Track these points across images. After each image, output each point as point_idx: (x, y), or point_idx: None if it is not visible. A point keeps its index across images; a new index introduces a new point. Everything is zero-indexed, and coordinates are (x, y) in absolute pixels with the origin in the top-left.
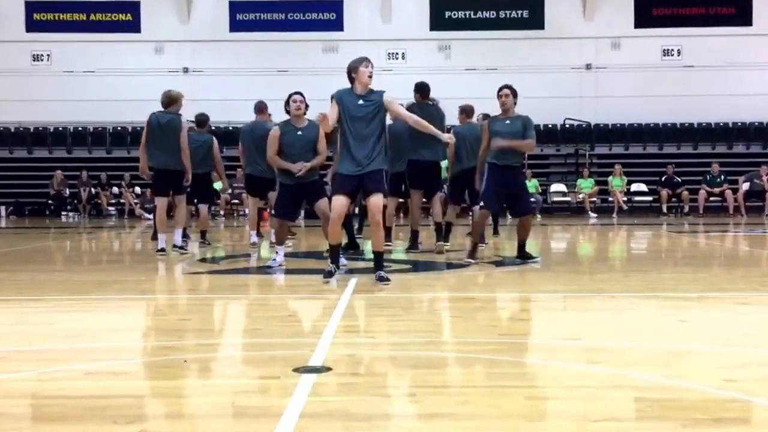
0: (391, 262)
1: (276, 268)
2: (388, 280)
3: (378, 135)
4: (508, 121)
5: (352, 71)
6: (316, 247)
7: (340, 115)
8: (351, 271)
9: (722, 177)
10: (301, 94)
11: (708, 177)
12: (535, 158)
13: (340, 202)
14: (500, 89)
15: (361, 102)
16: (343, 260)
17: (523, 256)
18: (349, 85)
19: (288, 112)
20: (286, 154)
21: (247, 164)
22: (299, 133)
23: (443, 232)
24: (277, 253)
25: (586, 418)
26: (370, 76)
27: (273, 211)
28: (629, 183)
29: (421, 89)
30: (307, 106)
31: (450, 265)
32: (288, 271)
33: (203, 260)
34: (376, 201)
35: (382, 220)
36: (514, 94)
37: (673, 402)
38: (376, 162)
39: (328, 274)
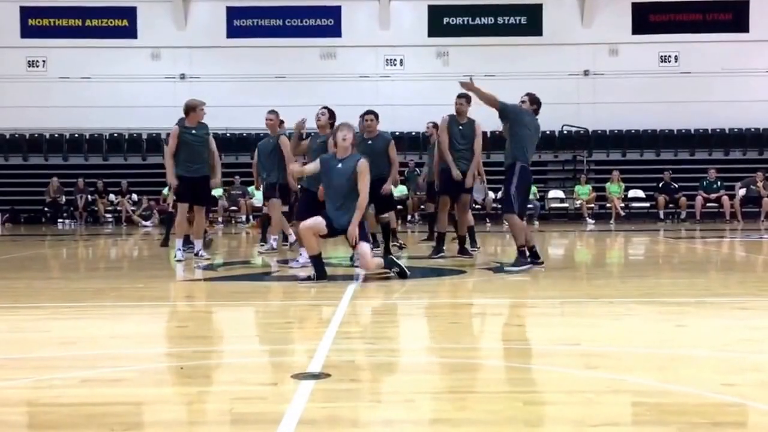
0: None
1: (297, 268)
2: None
3: (350, 193)
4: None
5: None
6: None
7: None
8: (344, 278)
9: (719, 183)
10: (326, 107)
11: (705, 183)
12: (533, 164)
13: (318, 221)
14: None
15: (339, 166)
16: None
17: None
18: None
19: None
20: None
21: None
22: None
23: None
24: (300, 254)
25: (585, 423)
26: (344, 139)
27: (296, 217)
28: (627, 189)
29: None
30: (333, 115)
31: (448, 271)
32: (286, 278)
33: (199, 266)
34: (365, 249)
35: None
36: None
37: (670, 406)
38: (348, 217)
39: (306, 279)
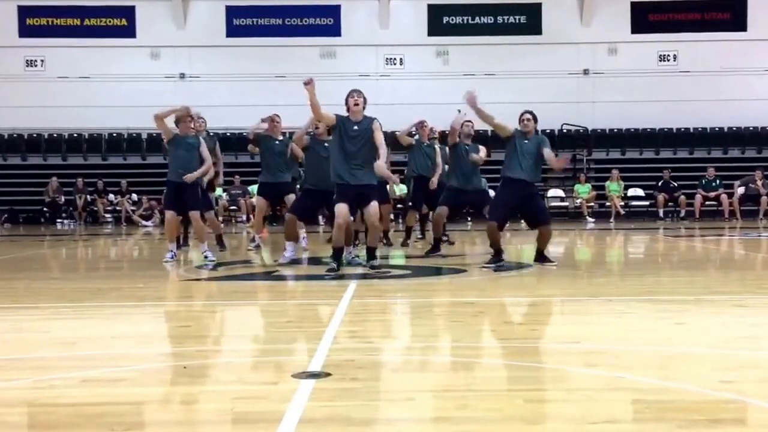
0: (391, 267)
1: (285, 263)
2: (379, 268)
3: (369, 152)
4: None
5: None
6: (314, 253)
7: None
8: (344, 277)
9: (718, 181)
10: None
11: (704, 181)
12: None
13: (343, 214)
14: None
15: (356, 127)
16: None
17: (541, 260)
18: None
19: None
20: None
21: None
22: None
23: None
24: (286, 249)
25: (585, 420)
26: (357, 105)
27: (290, 209)
28: (626, 188)
29: None
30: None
31: (449, 270)
32: (287, 277)
33: (201, 267)
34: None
35: (378, 222)
36: (535, 119)
37: (670, 404)
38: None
39: (331, 270)
